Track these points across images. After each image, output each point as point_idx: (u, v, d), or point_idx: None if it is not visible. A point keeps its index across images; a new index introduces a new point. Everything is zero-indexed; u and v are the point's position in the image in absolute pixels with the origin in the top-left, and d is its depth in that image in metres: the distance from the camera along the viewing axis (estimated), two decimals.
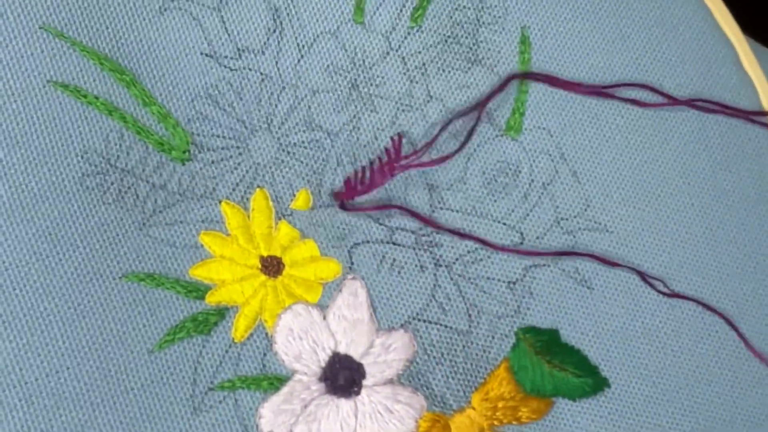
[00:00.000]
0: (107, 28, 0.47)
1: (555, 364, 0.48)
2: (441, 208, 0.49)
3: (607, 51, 0.51)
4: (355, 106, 0.49)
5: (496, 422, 0.48)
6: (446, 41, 0.49)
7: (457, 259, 0.48)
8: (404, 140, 0.49)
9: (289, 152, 0.48)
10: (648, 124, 0.51)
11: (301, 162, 0.48)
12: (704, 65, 0.51)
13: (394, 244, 0.48)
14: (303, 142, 0.48)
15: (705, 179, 0.51)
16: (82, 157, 0.45)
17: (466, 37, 0.50)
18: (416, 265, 0.48)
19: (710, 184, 0.51)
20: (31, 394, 0.43)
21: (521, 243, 0.49)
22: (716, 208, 0.51)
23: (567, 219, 0.49)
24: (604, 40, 0.51)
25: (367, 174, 0.48)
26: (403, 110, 0.49)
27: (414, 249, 0.48)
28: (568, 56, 0.50)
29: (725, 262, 0.51)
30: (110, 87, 0.46)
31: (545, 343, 0.48)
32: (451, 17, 0.50)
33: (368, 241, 0.48)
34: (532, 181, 0.49)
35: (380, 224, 0.48)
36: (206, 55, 0.47)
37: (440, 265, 0.48)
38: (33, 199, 0.44)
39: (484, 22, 0.50)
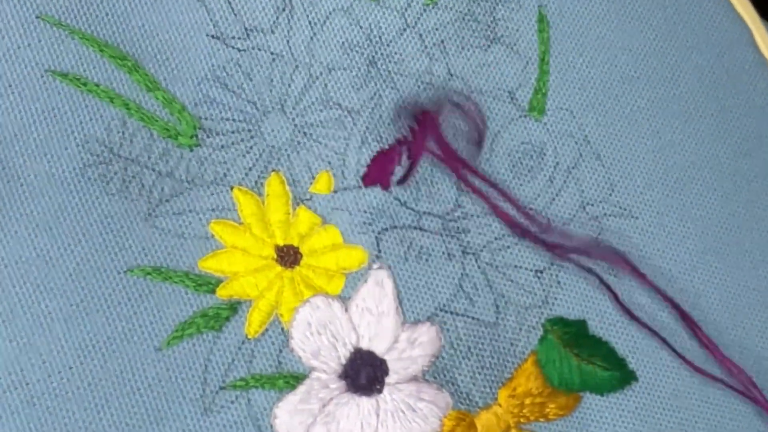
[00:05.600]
0: (107, 14, 0.46)
1: (583, 357, 0.47)
2: (468, 192, 0.47)
3: (624, 32, 0.50)
4: (375, 84, 0.47)
5: (522, 419, 0.46)
6: (463, 18, 0.48)
7: (484, 246, 0.47)
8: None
9: (306, 133, 0.46)
10: (670, 106, 0.50)
11: (320, 143, 0.46)
12: (720, 47, 0.51)
13: (421, 229, 0.47)
14: (321, 121, 0.47)
15: (727, 165, 0.50)
16: (83, 147, 0.44)
17: (484, 15, 0.49)
18: (444, 253, 0.47)
19: (732, 170, 0.50)
20: (33, 395, 0.42)
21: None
22: (738, 194, 0.50)
23: (592, 204, 0.48)
24: (621, 21, 0.50)
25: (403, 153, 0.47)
26: (424, 88, 0.48)
27: (441, 235, 0.47)
28: (585, 36, 0.50)
29: (748, 249, 0.50)
30: (111, 74, 0.45)
31: (573, 335, 0.47)
32: None
33: (395, 227, 0.47)
34: (557, 164, 0.48)
35: (408, 208, 0.47)
36: (212, 36, 0.46)
37: (468, 253, 0.47)
38: (33, 192, 0.44)
39: (500, 0, 0.49)
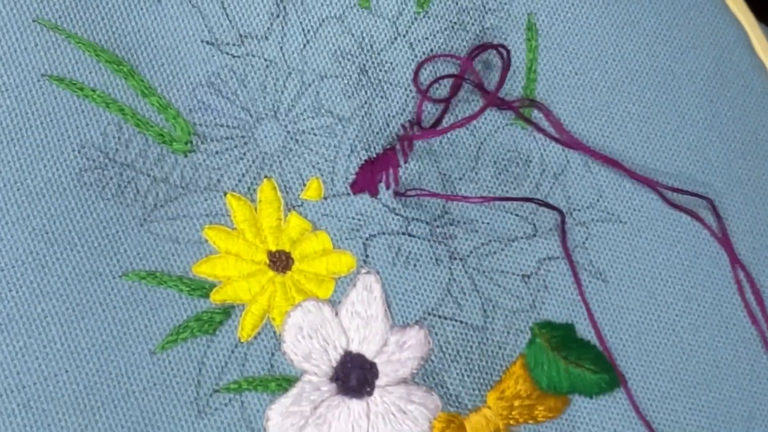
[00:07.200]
0: (103, 18, 0.46)
1: (571, 360, 0.47)
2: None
3: (617, 36, 0.50)
4: (366, 92, 0.48)
5: (512, 422, 0.46)
6: (453, 27, 0.49)
7: (471, 252, 0.47)
8: (416, 127, 0.47)
9: (297, 140, 0.47)
10: (662, 111, 0.50)
11: (311, 150, 0.47)
12: (716, 50, 0.51)
13: (409, 235, 0.47)
14: (312, 128, 0.47)
15: (720, 167, 0.50)
16: (79, 152, 0.44)
17: (473, 24, 0.49)
18: (431, 258, 0.47)
19: (725, 173, 0.50)
20: (30, 399, 0.43)
21: (534, 235, 0.48)
22: (732, 197, 0.50)
23: (579, 210, 0.49)
24: (614, 26, 0.50)
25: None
26: (413, 97, 0.48)
27: (429, 241, 0.47)
28: (576, 43, 0.50)
29: (741, 251, 0.50)
30: (107, 79, 0.45)
31: (561, 339, 0.47)
32: (457, 3, 0.49)
33: (384, 233, 0.47)
34: (544, 170, 0.49)
35: (396, 214, 0.47)
36: (207, 42, 0.47)
37: (455, 258, 0.47)
38: (29, 196, 0.44)
39: (489, 9, 0.49)
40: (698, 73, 0.51)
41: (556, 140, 0.48)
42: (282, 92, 0.47)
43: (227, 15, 0.47)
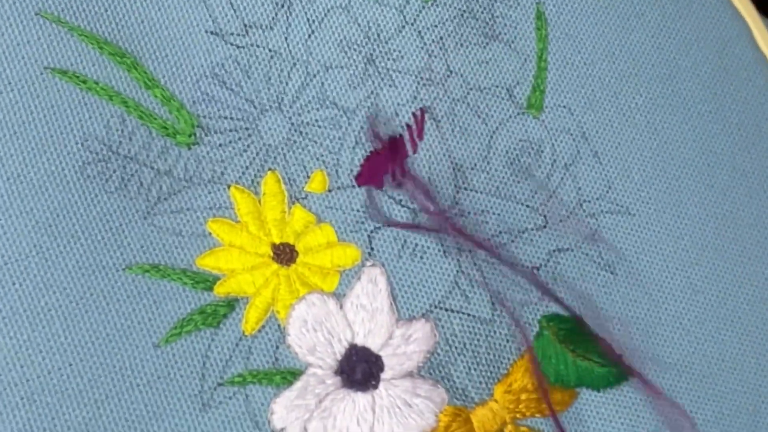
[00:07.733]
0: (106, 10, 0.46)
1: (579, 353, 0.47)
2: (465, 189, 0.47)
3: (623, 28, 0.50)
4: (373, 82, 0.47)
5: (519, 415, 0.46)
6: (462, 15, 0.48)
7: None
8: (427, 115, 0.47)
9: (302, 132, 0.47)
10: (668, 103, 0.50)
11: (315, 142, 0.47)
12: (719, 43, 0.51)
13: (417, 227, 0.47)
14: (317, 120, 0.47)
15: (725, 160, 0.50)
16: (82, 145, 0.44)
17: (482, 12, 0.49)
18: (439, 250, 0.47)
19: (730, 165, 0.50)
20: (33, 392, 0.43)
21: (545, 226, 0.48)
22: (737, 189, 0.50)
23: (589, 201, 0.48)
24: (619, 17, 0.50)
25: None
26: (423, 85, 0.48)
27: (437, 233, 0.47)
28: (584, 33, 0.49)
29: (747, 244, 0.50)
30: (111, 71, 0.45)
31: (569, 332, 0.47)
32: None
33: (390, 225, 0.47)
34: (555, 161, 0.48)
35: (403, 206, 0.47)
36: (211, 32, 0.46)
37: (464, 250, 0.47)
38: (32, 189, 0.44)
39: None
40: (702, 66, 0.50)
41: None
42: (286, 83, 0.47)
43: (231, 4, 0.47)
